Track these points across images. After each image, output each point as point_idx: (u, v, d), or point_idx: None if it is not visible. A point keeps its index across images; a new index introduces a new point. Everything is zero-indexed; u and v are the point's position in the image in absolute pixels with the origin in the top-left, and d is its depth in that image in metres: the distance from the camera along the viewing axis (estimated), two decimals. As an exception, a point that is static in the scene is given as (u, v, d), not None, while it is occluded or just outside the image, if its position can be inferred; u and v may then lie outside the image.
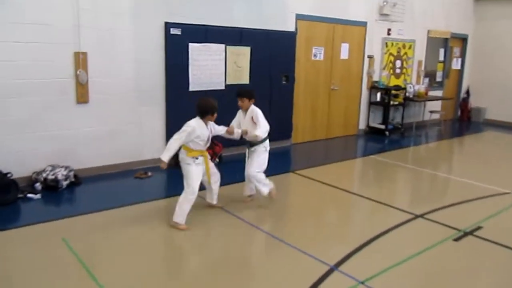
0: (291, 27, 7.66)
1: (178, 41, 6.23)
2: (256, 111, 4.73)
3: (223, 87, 6.82)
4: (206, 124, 4.29)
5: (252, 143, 4.82)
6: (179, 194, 4.32)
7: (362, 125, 9.56)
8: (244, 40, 6.96)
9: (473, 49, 12.05)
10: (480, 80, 11.99)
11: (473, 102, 12.13)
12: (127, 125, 6.06)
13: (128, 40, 5.87)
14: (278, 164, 6.27)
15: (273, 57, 7.39)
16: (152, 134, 6.31)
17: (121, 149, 6.05)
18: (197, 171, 4.29)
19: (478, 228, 4.53)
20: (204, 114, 4.25)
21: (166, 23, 6.13)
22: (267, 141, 4.86)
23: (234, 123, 4.86)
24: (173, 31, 6.17)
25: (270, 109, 7.29)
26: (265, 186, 4.89)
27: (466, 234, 4.38)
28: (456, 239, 4.24)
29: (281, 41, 7.46)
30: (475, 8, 11.76)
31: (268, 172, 4.98)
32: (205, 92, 6.61)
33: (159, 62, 6.19)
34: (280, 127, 7.55)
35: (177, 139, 4.14)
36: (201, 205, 4.70)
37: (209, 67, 6.63)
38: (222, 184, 4.83)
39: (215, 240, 4.24)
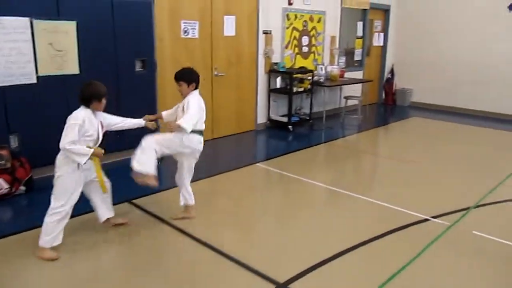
0: (145, -6, 5.60)
1: None
2: (189, 99, 3.73)
3: (33, 81, 4.70)
4: (94, 115, 3.38)
5: None
6: None
7: (262, 118, 7.73)
8: (65, 12, 4.83)
9: (397, 22, 10.48)
10: (406, 58, 10.48)
11: (398, 83, 10.65)
12: None
13: None
14: (117, 187, 4.14)
15: (118, 36, 5.33)
16: None
17: None
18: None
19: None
20: (88, 100, 3.30)
21: None
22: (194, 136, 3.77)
23: (166, 112, 4.07)
24: None
25: (119, 108, 5.25)
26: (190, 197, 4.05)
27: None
28: None
29: (129, 13, 5.38)
30: (397, -26, 10.18)
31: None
32: (2, 88, 4.51)
33: None
34: (138, 131, 5.20)
35: (71, 141, 3.14)
36: None
37: (5, 52, 4.46)
38: None
39: None
